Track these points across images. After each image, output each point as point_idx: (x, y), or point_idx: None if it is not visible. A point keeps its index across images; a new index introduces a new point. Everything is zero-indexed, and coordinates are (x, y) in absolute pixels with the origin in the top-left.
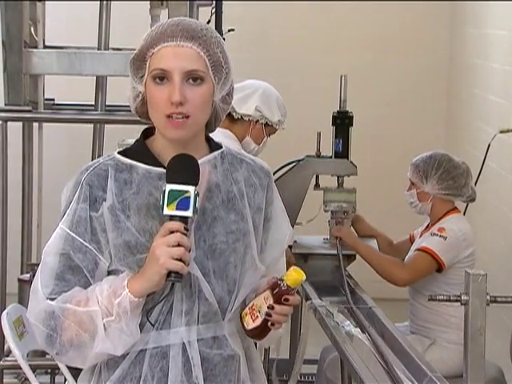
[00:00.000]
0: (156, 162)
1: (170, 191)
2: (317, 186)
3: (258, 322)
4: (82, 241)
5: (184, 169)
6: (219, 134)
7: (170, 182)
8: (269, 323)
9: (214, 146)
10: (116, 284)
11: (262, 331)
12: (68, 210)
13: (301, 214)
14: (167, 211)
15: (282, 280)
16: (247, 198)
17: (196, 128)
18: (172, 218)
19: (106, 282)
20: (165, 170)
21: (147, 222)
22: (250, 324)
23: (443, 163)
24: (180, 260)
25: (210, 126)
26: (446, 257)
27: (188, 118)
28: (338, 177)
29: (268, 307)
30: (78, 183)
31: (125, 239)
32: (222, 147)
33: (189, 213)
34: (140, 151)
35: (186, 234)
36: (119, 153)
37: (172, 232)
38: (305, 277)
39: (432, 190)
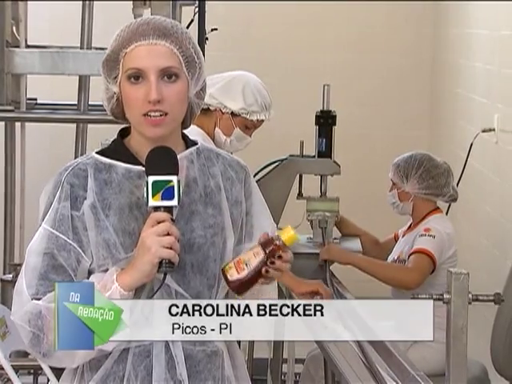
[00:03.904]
0: (135, 161)
1: (154, 182)
2: (300, 195)
3: (243, 274)
4: (65, 238)
5: (163, 160)
6: (187, 132)
7: (151, 174)
8: (260, 279)
9: (189, 142)
10: (105, 279)
11: (243, 285)
12: (50, 211)
13: (284, 214)
14: (153, 202)
15: (277, 237)
16: (224, 191)
17: (174, 125)
18: (156, 208)
19: (93, 278)
20: (144, 168)
21: (129, 224)
22: (234, 275)
23: (423, 163)
24: (170, 249)
25: (185, 122)
26: (437, 256)
27: (166, 115)
28: (321, 176)
29: (261, 262)
30: (58, 183)
31: (104, 237)
32: (197, 143)
33: (174, 202)
34: (118, 150)
35: (173, 223)
36: (97, 153)
37: (159, 222)
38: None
39: (412, 189)
